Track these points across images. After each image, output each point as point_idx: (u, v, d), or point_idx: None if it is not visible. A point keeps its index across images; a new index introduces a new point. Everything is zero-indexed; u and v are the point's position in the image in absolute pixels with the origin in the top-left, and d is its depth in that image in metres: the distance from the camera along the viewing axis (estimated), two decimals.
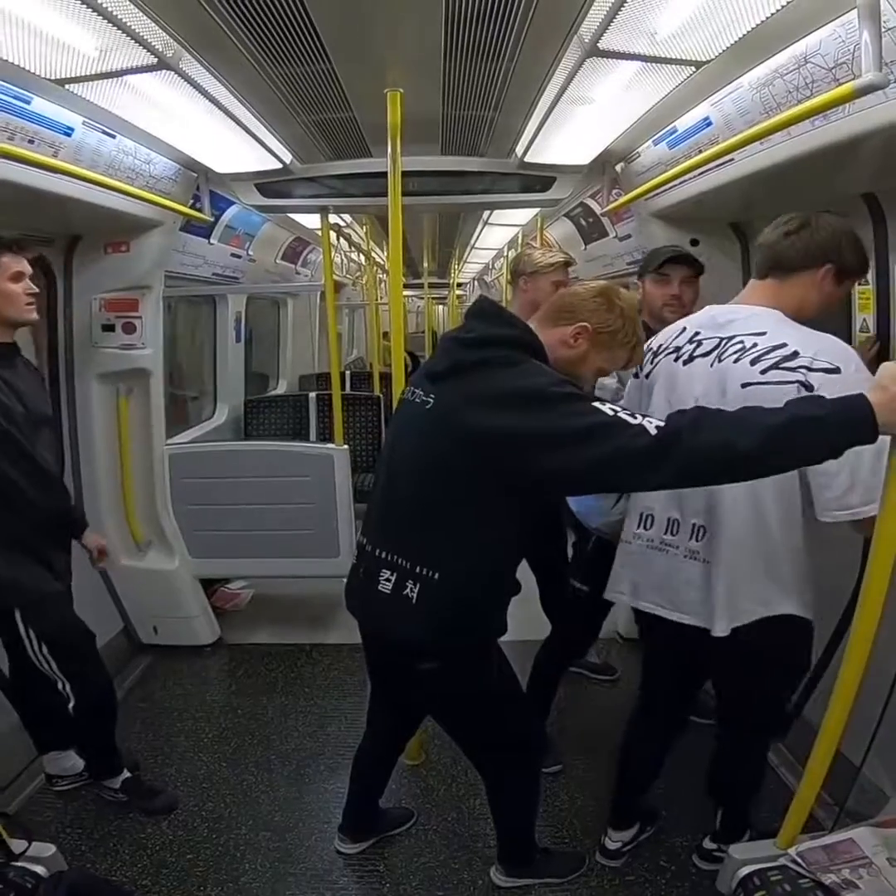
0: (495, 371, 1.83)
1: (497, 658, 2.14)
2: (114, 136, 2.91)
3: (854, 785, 2.07)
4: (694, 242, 3.56)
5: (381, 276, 9.14)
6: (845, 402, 1.53)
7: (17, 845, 1.95)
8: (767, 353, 1.91)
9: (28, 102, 2.40)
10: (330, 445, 4.17)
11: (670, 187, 3.12)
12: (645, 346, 2.24)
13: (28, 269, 2.51)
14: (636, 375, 2.33)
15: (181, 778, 3.10)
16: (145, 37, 2.02)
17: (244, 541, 4.16)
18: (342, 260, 8.20)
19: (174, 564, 4.11)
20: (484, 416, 1.77)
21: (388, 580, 1.94)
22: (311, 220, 5.37)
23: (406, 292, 14.55)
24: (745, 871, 1.82)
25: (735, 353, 1.98)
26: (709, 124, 2.64)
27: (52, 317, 3.72)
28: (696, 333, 2.13)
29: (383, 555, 1.97)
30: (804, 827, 1.87)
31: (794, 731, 2.90)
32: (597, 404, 1.70)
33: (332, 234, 4.69)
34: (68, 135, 2.66)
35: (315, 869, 2.62)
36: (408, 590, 1.91)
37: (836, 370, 1.80)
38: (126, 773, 2.92)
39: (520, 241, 6.84)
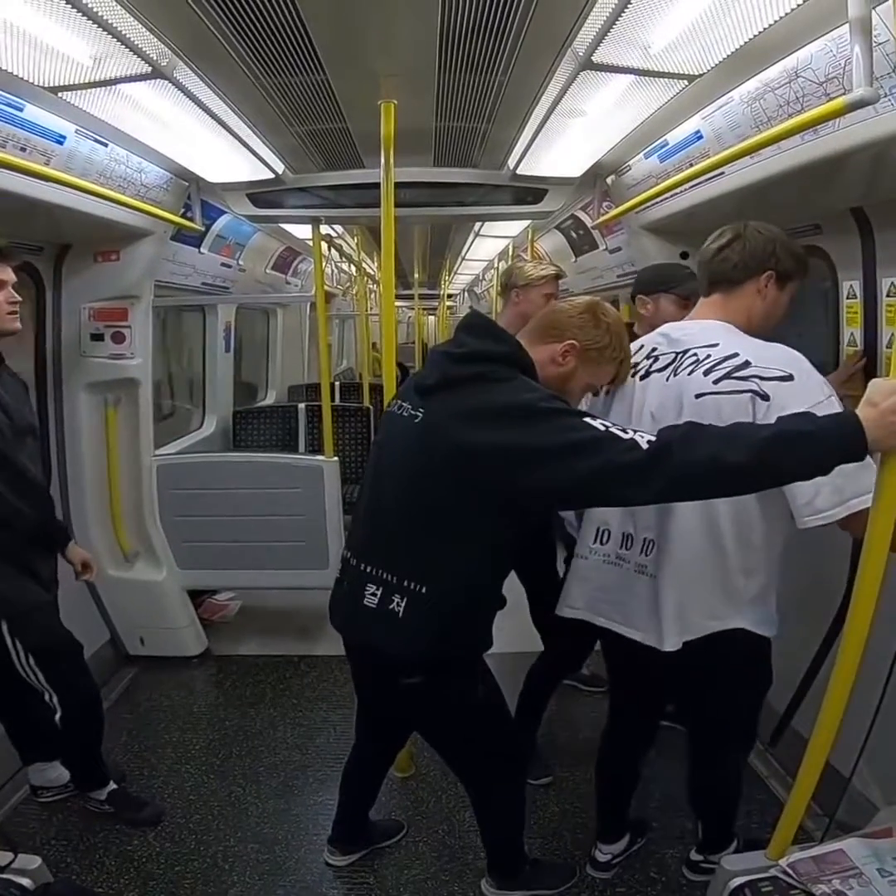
0: (485, 386, 1.83)
1: (481, 672, 2.14)
2: (106, 145, 2.91)
3: (843, 796, 2.07)
4: (684, 255, 3.57)
5: (371, 286, 9.16)
6: (836, 418, 1.55)
7: (2, 857, 1.92)
8: (720, 363, 1.92)
9: (20, 110, 2.39)
10: (320, 457, 4.17)
11: (661, 200, 3.14)
12: None
13: (12, 277, 2.48)
14: (596, 393, 2.30)
15: (168, 790, 3.07)
16: (140, 45, 2.03)
17: (232, 552, 4.14)
18: (332, 270, 8.20)
19: (161, 575, 4.09)
20: (473, 431, 1.76)
21: (373, 595, 1.93)
22: (302, 231, 5.37)
23: (395, 303, 14.52)
24: (735, 882, 1.82)
25: (690, 365, 2.00)
26: (700, 138, 2.66)
27: (40, 326, 3.70)
28: (653, 349, 2.15)
29: (368, 569, 1.96)
30: (794, 838, 1.87)
31: (783, 742, 2.90)
32: (588, 419, 1.70)
33: (323, 245, 4.69)
34: (60, 143, 2.65)
35: (304, 881, 2.60)
36: (394, 604, 1.90)
37: (789, 377, 1.81)
38: (112, 785, 2.89)
39: (511, 252, 6.87)
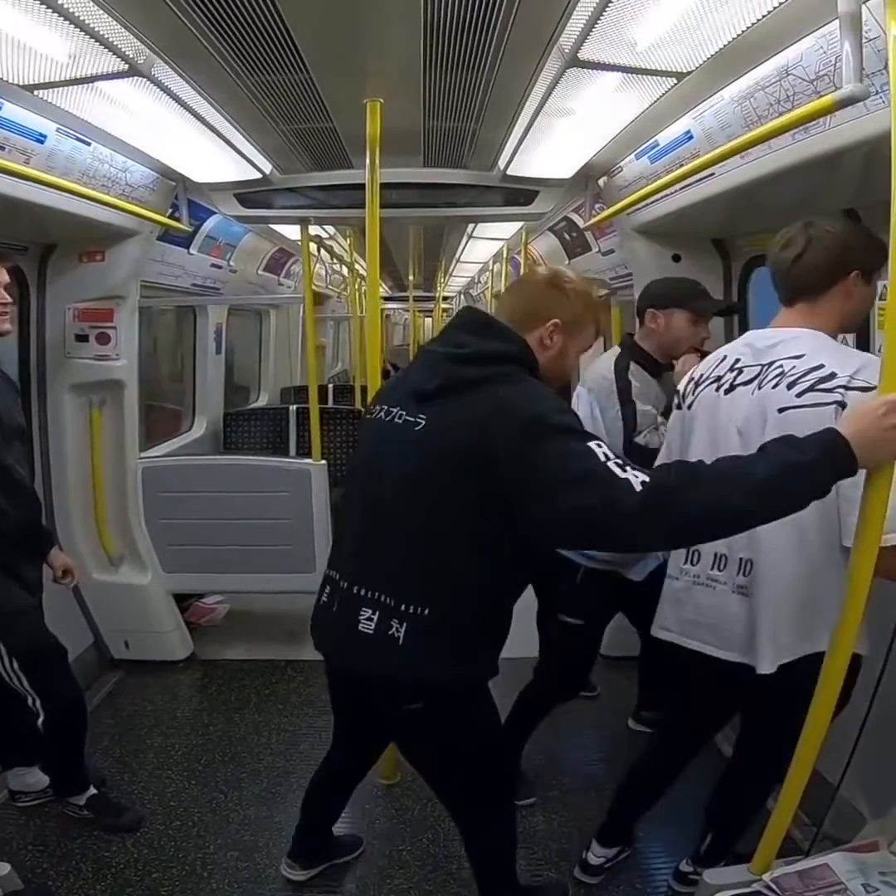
0: (495, 390, 1.74)
1: (486, 703, 2.03)
2: (89, 144, 2.87)
3: (831, 806, 2.04)
4: (676, 258, 3.55)
5: (364, 288, 9.16)
6: (824, 439, 1.50)
7: None
8: (804, 375, 1.86)
9: None
10: (307, 460, 4.13)
11: (652, 202, 3.12)
12: (687, 377, 2.24)
13: (4, 278, 2.46)
14: (679, 406, 2.26)
15: (148, 795, 3.03)
16: (115, 42, 1.99)
17: (219, 556, 4.11)
18: (326, 272, 8.20)
19: (146, 579, 4.05)
20: (482, 438, 1.68)
21: (369, 619, 1.82)
22: (294, 231, 5.35)
23: (392, 305, 14.61)
24: None
25: (774, 378, 1.93)
26: (690, 138, 2.63)
27: (24, 327, 3.67)
28: (737, 360, 2.07)
29: (363, 592, 1.85)
30: (782, 848, 1.84)
31: None
32: (592, 445, 1.61)
33: (314, 246, 4.67)
34: (41, 141, 2.62)
35: (285, 890, 2.56)
36: (393, 629, 1.79)
37: (873, 388, 1.72)
38: (92, 790, 2.86)
39: (505, 255, 6.85)
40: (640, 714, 3.52)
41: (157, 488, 4.04)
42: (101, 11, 1.81)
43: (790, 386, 1.88)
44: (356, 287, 7.49)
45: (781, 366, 1.93)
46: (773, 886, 1.72)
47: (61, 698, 2.66)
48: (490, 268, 8.56)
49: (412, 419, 1.81)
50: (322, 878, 2.60)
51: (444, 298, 13.31)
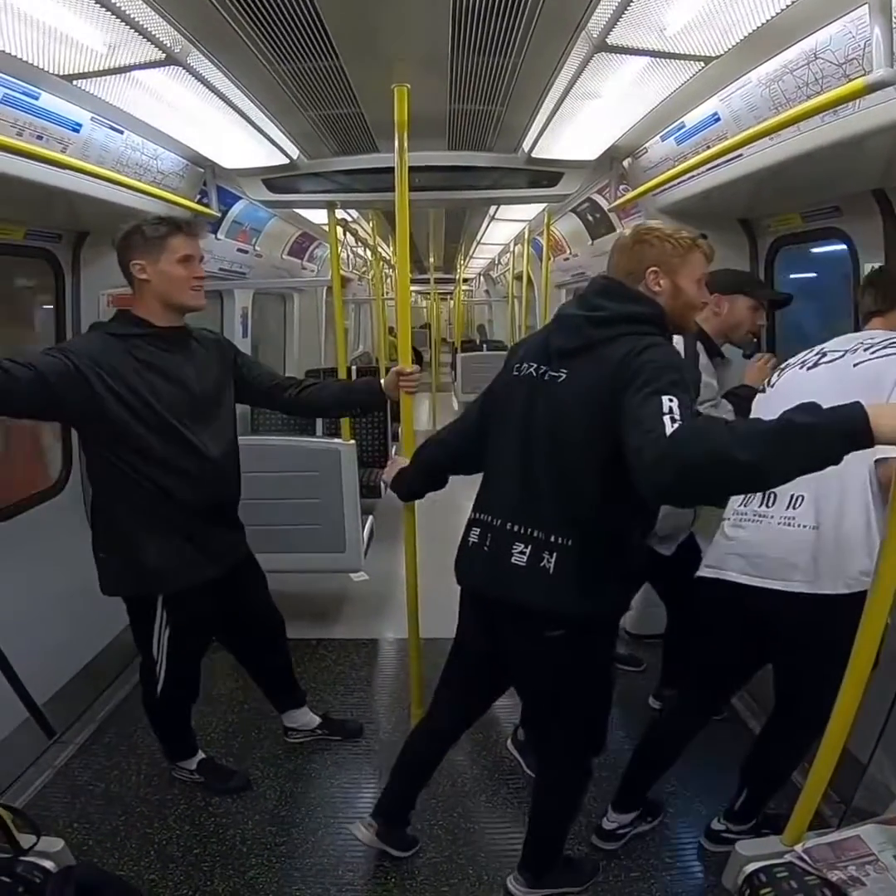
0: (623, 345, 1.87)
1: (612, 642, 2.20)
2: (121, 132, 2.92)
3: (860, 782, 2.06)
4: (703, 237, 3.54)
5: (387, 271, 9.15)
6: (840, 410, 1.51)
7: (25, 840, 1.94)
8: (881, 342, 2.12)
9: (36, 98, 2.40)
10: (337, 441, 4.16)
11: (678, 183, 3.12)
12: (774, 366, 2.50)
13: (198, 251, 2.46)
14: (763, 390, 2.46)
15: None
16: (153, 32, 2.03)
17: (250, 535, 4.10)
18: (348, 255, 8.20)
19: None
20: (608, 386, 1.82)
21: (522, 553, 2.01)
22: (318, 216, 5.38)
23: (413, 288, 14.57)
24: (750, 867, 1.81)
25: (855, 349, 2.17)
26: (717, 120, 2.64)
27: (60, 313, 3.72)
28: (824, 348, 2.29)
29: (516, 528, 2.03)
30: (810, 825, 1.86)
31: None
32: (665, 398, 1.68)
33: (339, 229, 4.69)
34: (76, 131, 2.67)
35: (321, 864, 2.61)
36: (544, 561, 1.97)
37: None
38: (201, 755, 2.98)
39: (526, 236, 6.82)
40: (661, 692, 3.51)
41: None
42: (141, 1, 1.86)
43: (867, 349, 2.13)
44: (379, 270, 7.50)
45: (862, 342, 2.19)
46: (805, 857, 1.74)
47: (186, 676, 2.76)
48: (511, 249, 8.53)
49: (556, 373, 2.02)
50: (355, 852, 2.64)
51: (464, 280, 13.28)
